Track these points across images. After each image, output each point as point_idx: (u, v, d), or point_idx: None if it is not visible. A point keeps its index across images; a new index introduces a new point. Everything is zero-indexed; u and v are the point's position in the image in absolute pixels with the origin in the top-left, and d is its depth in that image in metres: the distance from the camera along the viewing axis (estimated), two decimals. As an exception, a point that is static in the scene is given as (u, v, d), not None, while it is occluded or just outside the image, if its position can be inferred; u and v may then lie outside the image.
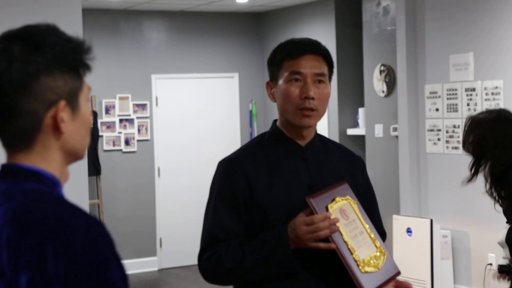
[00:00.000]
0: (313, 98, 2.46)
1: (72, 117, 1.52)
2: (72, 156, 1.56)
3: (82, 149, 1.57)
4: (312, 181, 2.50)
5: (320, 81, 2.49)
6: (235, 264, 2.42)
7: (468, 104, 7.20)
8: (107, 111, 9.08)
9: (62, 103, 1.49)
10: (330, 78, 2.54)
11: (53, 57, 1.48)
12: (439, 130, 7.49)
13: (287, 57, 2.50)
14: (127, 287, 1.45)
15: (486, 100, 7.02)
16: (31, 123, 1.49)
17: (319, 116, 2.50)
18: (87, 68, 1.54)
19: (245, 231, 2.47)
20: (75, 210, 1.46)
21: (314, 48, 2.52)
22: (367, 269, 2.40)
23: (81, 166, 6.05)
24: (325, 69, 2.51)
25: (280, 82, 2.50)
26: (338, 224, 2.38)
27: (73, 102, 1.52)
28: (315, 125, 2.55)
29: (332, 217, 2.37)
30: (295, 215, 2.40)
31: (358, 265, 2.38)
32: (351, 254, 2.38)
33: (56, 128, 1.50)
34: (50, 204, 1.46)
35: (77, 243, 1.39)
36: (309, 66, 2.48)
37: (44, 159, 1.52)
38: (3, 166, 1.54)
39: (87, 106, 1.57)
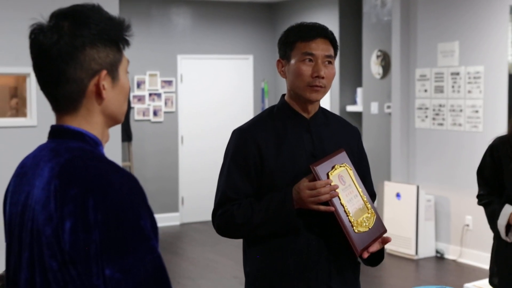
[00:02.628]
0: (323, 77, 2.45)
1: (112, 85, 1.52)
2: (112, 120, 1.56)
3: (121, 114, 1.57)
4: (315, 150, 2.49)
5: (329, 62, 2.48)
6: (245, 220, 2.41)
7: (452, 87, 7.19)
8: (138, 86, 9.10)
9: (104, 73, 1.49)
10: (334, 59, 2.53)
11: (97, 32, 1.47)
12: (427, 108, 7.48)
13: (300, 39, 2.47)
14: (157, 235, 1.45)
15: (468, 83, 7.01)
16: (77, 89, 1.49)
17: (325, 92, 2.49)
18: (127, 43, 1.54)
19: (255, 192, 2.46)
20: (113, 166, 1.46)
21: (324, 33, 2.49)
22: (360, 229, 2.39)
23: (115, 133, 6.10)
24: (332, 51, 2.49)
25: (293, 61, 2.48)
26: (336, 190, 2.37)
27: (113, 72, 1.52)
28: (319, 100, 2.54)
29: (332, 183, 2.37)
30: (299, 179, 2.39)
31: (352, 226, 2.38)
32: (347, 216, 2.38)
33: (98, 94, 1.50)
34: (91, 161, 1.46)
35: (114, 195, 1.40)
36: (320, 48, 2.46)
37: (87, 121, 1.52)
38: (52, 127, 1.55)
39: (126, 77, 1.57)
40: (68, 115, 1.52)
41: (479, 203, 3.73)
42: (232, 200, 2.46)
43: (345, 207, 2.39)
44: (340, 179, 2.42)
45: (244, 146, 2.47)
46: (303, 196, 2.35)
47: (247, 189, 2.46)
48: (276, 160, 2.44)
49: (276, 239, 2.45)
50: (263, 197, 2.44)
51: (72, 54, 1.46)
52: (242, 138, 2.49)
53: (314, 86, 2.45)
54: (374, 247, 2.43)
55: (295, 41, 2.48)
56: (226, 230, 2.49)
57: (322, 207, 2.36)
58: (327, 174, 2.39)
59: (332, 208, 2.35)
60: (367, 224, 2.44)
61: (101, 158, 1.48)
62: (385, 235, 2.51)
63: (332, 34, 2.53)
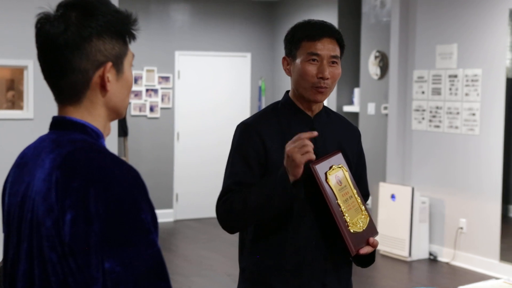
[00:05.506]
0: (327, 78, 2.43)
1: (116, 78, 1.52)
2: (114, 113, 1.56)
3: (123, 107, 1.57)
4: (317, 148, 2.46)
5: (333, 62, 2.46)
6: (242, 204, 2.37)
7: (450, 89, 7.20)
8: (136, 81, 9.08)
9: (109, 64, 1.49)
10: (341, 58, 2.51)
11: (104, 24, 1.47)
12: (423, 110, 7.49)
13: (306, 38, 2.45)
14: (157, 229, 1.45)
15: (466, 86, 7.01)
16: (82, 80, 1.48)
17: (330, 92, 2.48)
18: (133, 36, 1.54)
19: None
20: (115, 159, 1.46)
21: (331, 32, 2.48)
22: (354, 229, 2.41)
23: (112, 128, 6.10)
24: (338, 51, 2.48)
25: (298, 60, 2.46)
26: (334, 189, 2.38)
27: (118, 65, 1.51)
28: (323, 101, 2.53)
29: (332, 186, 2.37)
30: (301, 176, 2.36)
31: (348, 226, 2.39)
32: (343, 215, 2.39)
33: (103, 86, 1.50)
34: (93, 153, 1.45)
35: (115, 187, 1.40)
36: (326, 48, 2.45)
37: (90, 113, 1.52)
38: (54, 118, 1.54)
39: (130, 71, 1.56)
40: (71, 106, 1.52)
41: None
42: (234, 190, 2.44)
43: (342, 207, 2.40)
44: (337, 180, 2.44)
45: (249, 139, 2.46)
46: (290, 151, 2.27)
47: (251, 182, 2.43)
48: (280, 155, 2.41)
49: (274, 236, 2.44)
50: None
51: (79, 44, 1.46)
52: (247, 131, 2.48)
53: (319, 87, 2.43)
54: (365, 249, 2.43)
55: (301, 40, 2.46)
56: (227, 221, 2.44)
57: (307, 156, 2.27)
58: (325, 174, 2.40)
59: (315, 133, 2.31)
60: (361, 225, 2.46)
61: (103, 151, 1.48)
62: (378, 236, 2.52)
63: (339, 33, 2.51)
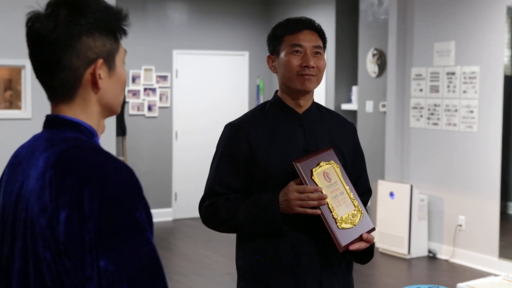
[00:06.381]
0: (313, 67, 2.46)
1: (108, 74, 1.51)
2: (108, 110, 1.56)
3: (117, 104, 1.56)
4: (308, 145, 2.49)
5: (317, 53, 2.48)
6: (229, 216, 2.43)
7: (448, 86, 7.21)
8: (134, 80, 9.08)
9: (100, 61, 1.49)
10: (324, 51, 2.54)
11: (94, 21, 1.47)
12: (422, 108, 7.50)
13: (288, 32, 2.50)
14: (152, 227, 1.44)
15: (464, 83, 7.02)
16: (73, 77, 1.48)
17: (318, 82, 2.50)
18: (124, 32, 1.53)
19: (243, 188, 2.47)
20: (109, 157, 1.45)
21: (311, 24, 2.52)
22: (344, 225, 2.41)
23: (110, 127, 6.09)
24: (320, 43, 2.50)
25: (282, 54, 2.50)
26: (320, 185, 2.39)
27: (110, 61, 1.51)
28: (312, 93, 2.54)
29: (317, 183, 2.38)
30: (290, 174, 2.40)
31: (336, 222, 2.39)
32: (331, 212, 2.39)
33: (94, 84, 1.50)
34: (87, 151, 1.45)
35: (110, 186, 1.39)
36: (308, 39, 2.48)
37: (83, 111, 1.51)
38: (48, 116, 1.54)
39: (123, 67, 1.56)
40: (63, 105, 1.51)
41: None
42: (219, 194, 2.47)
43: (329, 204, 2.40)
44: (325, 176, 2.44)
45: (236, 141, 2.48)
46: (291, 198, 2.36)
47: (235, 184, 2.47)
48: (268, 155, 2.45)
49: (261, 238, 2.46)
50: (252, 194, 2.45)
51: (69, 42, 1.46)
52: (234, 133, 2.49)
53: (305, 75, 2.46)
54: (356, 246, 2.42)
55: (283, 35, 2.51)
56: (211, 222, 2.51)
57: (309, 210, 2.37)
58: (311, 171, 2.40)
59: (318, 211, 2.37)
60: (352, 220, 2.45)
61: (97, 149, 1.47)
62: (377, 234, 2.52)
63: (319, 26, 2.55)
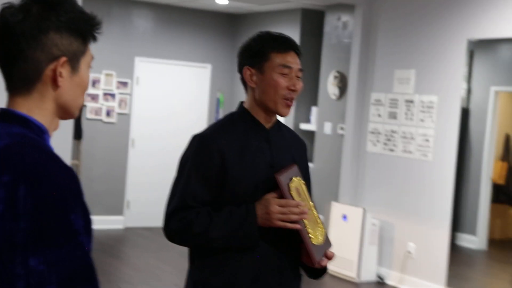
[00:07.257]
0: (296, 91, 2.48)
1: (70, 75, 1.51)
2: (64, 111, 1.54)
3: (75, 107, 1.55)
4: (273, 160, 2.49)
5: (298, 76, 2.51)
6: (202, 230, 2.38)
7: (406, 114, 7.30)
8: (93, 84, 9.00)
9: (63, 59, 1.48)
10: None
11: (65, 20, 1.47)
12: (379, 133, 7.58)
13: (275, 50, 2.47)
14: (89, 232, 1.42)
15: (421, 111, 7.12)
16: (33, 70, 1.48)
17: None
18: (93, 38, 1.54)
19: (212, 201, 2.43)
20: (53, 157, 1.43)
21: (296, 46, 2.53)
22: (315, 242, 2.42)
23: (67, 130, 6.02)
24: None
25: (268, 72, 2.47)
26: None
27: (74, 62, 1.51)
28: None
29: (294, 197, 2.39)
30: (259, 189, 2.40)
31: (310, 238, 2.41)
32: (305, 227, 2.40)
33: (54, 81, 1.49)
34: (29, 148, 1.43)
35: (47, 186, 1.37)
36: (294, 61, 2.49)
37: (38, 106, 1.50)
38: None
39: (87, 71, 1.55)
40: (20, 97, 1.50)
41: None
42: (190, 207, 2.42)
43: (304, 220, 2.41)
44: (298, 192, 2.45)
45: (207, 153, 2.43)
46: (272, 211, 2.35)
47: (206, 197, 2.43)
48: (239, 169, 2.43)
49: (229, 251, 2.44)
50: (222, 207, 2.42)
51: (35, 35, 1.46)
52: (205, 145, 2.45)
53: (288, 99, 2.47)
54: (325, 262, 2.47)
55: (270, 51, 2.47)
56: (180, 237, 2.44)
57: (289, 225, 2.37)
58: (288, 185, 2.41)
59: (298, 226, 2.37)
60: (320, 238, 2.47)
61: (41, 147, 1.45)
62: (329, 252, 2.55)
63: (300, 49, 2.56)
